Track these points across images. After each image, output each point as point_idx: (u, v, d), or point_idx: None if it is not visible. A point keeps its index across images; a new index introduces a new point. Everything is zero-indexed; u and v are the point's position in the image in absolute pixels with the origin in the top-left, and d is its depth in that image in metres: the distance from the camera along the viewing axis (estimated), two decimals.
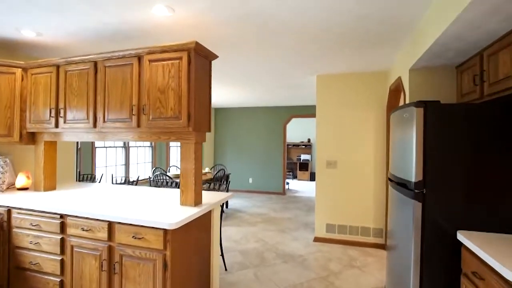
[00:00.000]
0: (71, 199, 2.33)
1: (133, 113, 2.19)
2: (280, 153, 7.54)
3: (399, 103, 3.60)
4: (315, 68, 3.67)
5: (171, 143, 7.31)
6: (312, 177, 10.49)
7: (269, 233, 4.27)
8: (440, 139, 1.73)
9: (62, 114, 2.47)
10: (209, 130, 2.31)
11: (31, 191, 2.66)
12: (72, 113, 2.43)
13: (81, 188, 2.85)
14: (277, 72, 3.89)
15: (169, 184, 4.30)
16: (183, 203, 2.18)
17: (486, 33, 1.73)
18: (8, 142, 2.61)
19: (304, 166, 10.74)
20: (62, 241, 2.08)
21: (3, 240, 2.28)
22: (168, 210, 2.04)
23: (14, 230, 2.25)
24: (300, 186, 9.18)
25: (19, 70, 2.61)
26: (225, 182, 5.90)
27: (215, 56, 2.31)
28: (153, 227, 1.80)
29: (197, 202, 2.19)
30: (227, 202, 5.89)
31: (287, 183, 8.36)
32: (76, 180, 3.72)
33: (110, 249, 1.93)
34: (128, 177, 5.79)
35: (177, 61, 2.06)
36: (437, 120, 1.74)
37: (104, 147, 5.27)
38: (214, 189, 3.29)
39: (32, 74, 2.60)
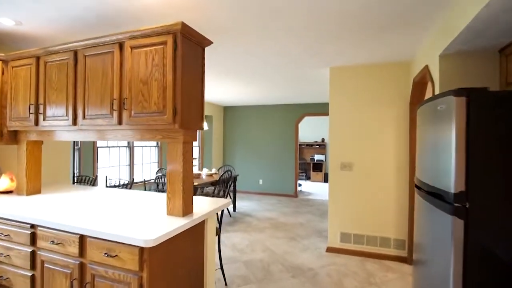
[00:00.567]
0: (49, 206, 2.08)
1: (114, 108, 1.90)
2: (292, 153, 7.16)
3: (424, 97, 3.17)
4: (328, 59, 3.29)
5: None
6: (326, 178, 10.02)
7: (277, 241, 3.92)
8: (489, 137, 1.34)
9: (41, 110, 2.23)
10: (202, 128, 1.99)
11: (14, 195, 2.44)
12: (52, 109, 2.18)
13: (70, 192, 2.61)
14: (285, 64, 3.54)
15: None
16: (170, 212, 1.87)
17: None
18: None
19: (318, 166, 10.29)
20: (33, 254, 1.82)
21: None
22: (151, 221, 1.73)
23: None
24: (313, 188, 8.75)
25: (0, 62, 2.40)
26: (232, 184, 5.59)
27: (209, 42, 1.99)
28: (127, 244, 1.50)
29: (187, 211, 1.87)
30: (234, 205, 5.58)
31: (300, 185, 7.96)
32: (73, 183, 3.51)
33: (82, 267, 1.65)
34: (133, 178, 5.59)
35: (161, 46, 1.76)
36: (485, 113, 1.34)
37: (107, 146, 5.08)
38: (218, 191, 3.00)
39: (12, 67, 2.38)
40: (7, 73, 2.41)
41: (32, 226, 1.83)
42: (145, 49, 1.81)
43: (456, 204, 1.37)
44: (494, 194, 1.33)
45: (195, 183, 4.38)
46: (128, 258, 1.49)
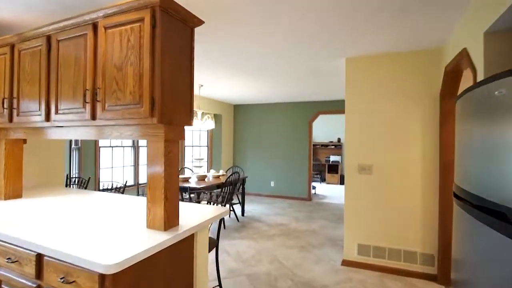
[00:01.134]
0: (20, 214, 1.82)
1: (87, 100, 1.61)
2: (305, 153, 6.75)
3: (458, 89, 2.71)
4: (343, 47, 2.90)
5: (186, 139, 6.85)
6: (342, 180, 9.52)
7: (287, 251, 3.55)
8: None
9: (15, 105, 1.98)
10: (190, 124, 1.67)
11: None
12: (25, 104, 1.92)
13: (55, 197, 2.36)
14: (296, 56, 3.17)
15: None
16: (149, 225, 1.56)
17: None
18: None
19: (334, 168, 9.80)
20: None
21: None
22: (126, 236, 1.43)
23: None
24: (328, 191, 8.30)
25: None
26: (240, 187, 5.27)
27: (199, 21, 1.67)
28: (86, 268, 1.19)
29: (170, 224, 1.55)
30: (243, 209, 5.25)
31: (314, 187, 7.53)
32: (66, 185, 3.29)
33: None
34: (138, 179, 5.38)
35: (138, 24, 1.45)
36: None
37: (110, 146, 4.88)
38: (217, 197, 2.67)
39: None
40: None
41: None
42: (120, 28, 1.51)
43: None
44: None
45: (200, 186, 4.09)
46: (87, 286, 1.19)
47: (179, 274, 1.57)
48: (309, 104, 6.74)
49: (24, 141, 2.36)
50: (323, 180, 10.15)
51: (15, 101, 1.97)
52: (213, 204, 2.56)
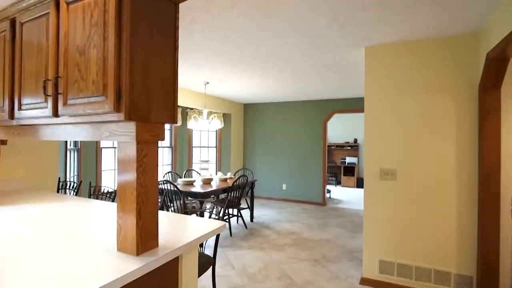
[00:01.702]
0: None
1: (48, 93, 1.33)
2: (319, 155, 6.34)
3: (502, 79, 2.27)
4: (361, 34, 2.51)
5: (194, 140, 6.59)
6: (359, 183, 9.01)
7: (298, 265, 3.19)
8: None
9: None
10: (173, 121, 1.35)
11: None
12: None
13: (33, 204, 2.11)
14: (307, 46, 2.81)
15: (174, 196, 3.48)
16: (120, 247, 1.25)
17: None
18: None
19: (350, 170, 9.30)
20: None
21: None
22: (88, 263, 1.12)
23: None
24: (344, 195, 7.83)
25: None
26: (249, 191, 4.94)
27: None
28: None
29: (146, 247, 1.24)
30: (252, 215, 4.91)
31: (328, 191, 7.10)
32: (58, 189, 3.07)
33: None
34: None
35: None
36: None
37: (112, 147, 4.67)
38: (212, 208, 2.36)
39: None
40: None
41: None
42: (82, 2, 1.21)
43: None
44: None
45: (205, 190, 3.78)
46: None
47: None
48: (323, 103, 6.33)
49: (3, 141, 2.13)
50: (338, 183, 9.67)
51: None
52: (216, 216, 2.24)
